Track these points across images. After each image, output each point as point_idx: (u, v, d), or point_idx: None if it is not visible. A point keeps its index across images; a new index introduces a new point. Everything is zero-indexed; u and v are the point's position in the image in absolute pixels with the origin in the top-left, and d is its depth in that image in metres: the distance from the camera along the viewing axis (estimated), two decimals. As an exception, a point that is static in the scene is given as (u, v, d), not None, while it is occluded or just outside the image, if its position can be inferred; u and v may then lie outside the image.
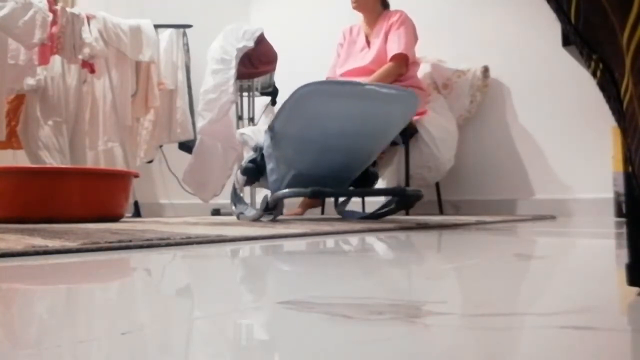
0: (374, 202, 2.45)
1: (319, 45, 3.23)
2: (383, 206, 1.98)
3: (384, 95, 1.76)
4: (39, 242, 0.91)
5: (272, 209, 1.77)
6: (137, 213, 2.74)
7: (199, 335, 0.34)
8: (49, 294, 0.52)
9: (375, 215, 1.96)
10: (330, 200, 2.67)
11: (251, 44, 2.77)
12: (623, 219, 1.99)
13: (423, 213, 2.67)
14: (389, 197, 1.99)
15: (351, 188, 2.06)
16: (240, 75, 2.78)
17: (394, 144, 2.35)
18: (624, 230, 0.54)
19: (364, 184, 2.04)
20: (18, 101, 2.56)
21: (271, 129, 1.79)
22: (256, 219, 1.83)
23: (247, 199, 2.75)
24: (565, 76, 2.57)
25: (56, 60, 2.57)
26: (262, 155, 1.87)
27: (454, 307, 0.42)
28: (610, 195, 2.30)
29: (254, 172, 1.92)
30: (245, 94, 3.18)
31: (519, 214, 2.67)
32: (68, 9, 2.53)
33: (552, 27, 2.36)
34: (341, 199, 2.26)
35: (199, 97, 2.75)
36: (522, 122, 2.77)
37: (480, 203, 2.84)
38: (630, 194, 0.43)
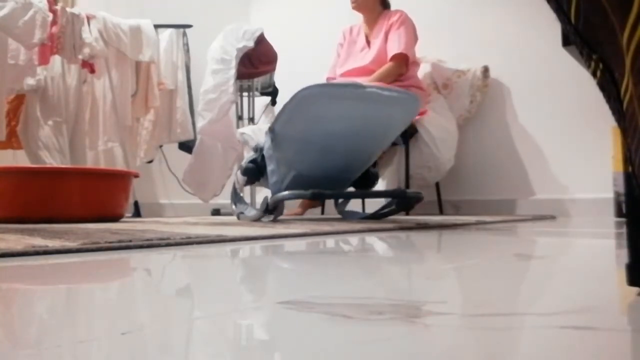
0: (374, 202, 2.45)
1: (319, 45, 3.23)
2: (383, 207, 1.98)
3: (386, 97, 1.76)
4: (39, 242, 0.91)
5: (272, 210, 1.77)
6: (137, 213, 2.74)
7: (199, 335, 0.34)
8: (49, 294, 0.52)
9: (376, 216, 1.96)
10: (330, 200, 2.67)
11: (251, 44, 2.77)
12: (623, 219, 1.99)
13: (423, 213, 2.67)
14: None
15: (352, 188, 2.06)
16: (240, 75, 2.78)
17: (394, 144, 2.35)
18: (624, 230, 0.54)
19: (364, 184, 2.04)
20: (18, 101, 2.56)
21: (272, 130, 1.79)
22: (256, 219, 1.83)
23: (247, 199, 2.76)
24: (565, 76, 2.57)
25: (56, 60, 2.57)
26: (263, 156, 1.87)
27: (454, 307, 0.42)
28: (610, 195, 2.30)
29: (255, 173, 1.91)
30: (245, 94, 3.18)
31: (519, 214, 2.67)
32: (68, 9, 2.53)
33: (552, 27, 2.36)
34: (341, 199, 2.25)
35: (199, 97, 2.75)
36: (522, 122, 2.77)
37: (480, 203, 2.84)
38: (630, 194, 0.43)
